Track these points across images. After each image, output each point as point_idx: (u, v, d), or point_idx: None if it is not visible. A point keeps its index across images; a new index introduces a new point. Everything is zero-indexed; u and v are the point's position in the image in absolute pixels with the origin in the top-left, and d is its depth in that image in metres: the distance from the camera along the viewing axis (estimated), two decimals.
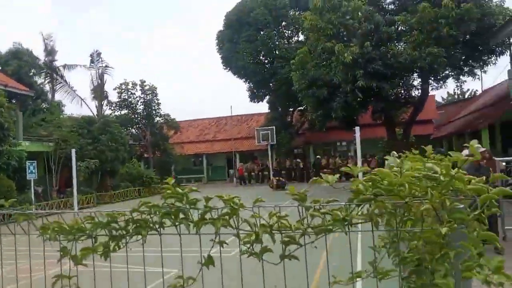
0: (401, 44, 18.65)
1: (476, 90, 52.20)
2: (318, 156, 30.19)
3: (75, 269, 2.07)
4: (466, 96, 47.77)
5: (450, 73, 18.54)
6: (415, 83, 21.35)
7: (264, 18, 28.08)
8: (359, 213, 1.91)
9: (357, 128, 15.01)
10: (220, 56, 31.33)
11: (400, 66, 17.63)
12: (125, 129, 28.57)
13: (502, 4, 18.43)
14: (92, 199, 20.49)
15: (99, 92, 26.68)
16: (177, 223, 2.09)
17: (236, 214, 2.00)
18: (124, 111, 30.38)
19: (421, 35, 17.38)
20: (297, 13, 28.69)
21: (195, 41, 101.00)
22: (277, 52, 29.20)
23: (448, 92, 51.41)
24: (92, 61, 27.46)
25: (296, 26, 28.67)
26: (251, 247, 2.00)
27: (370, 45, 17.77)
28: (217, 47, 31.42)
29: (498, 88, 26.05)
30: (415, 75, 20.46)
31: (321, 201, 2.05)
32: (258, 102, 32.49)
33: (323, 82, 19.67)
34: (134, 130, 32.07)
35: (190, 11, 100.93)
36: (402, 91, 21.64)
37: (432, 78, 20.07)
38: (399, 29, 18.75)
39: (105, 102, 28.22)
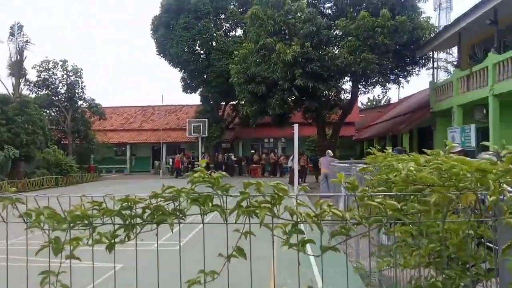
0: (338, 48, 19.39)
1: (390, 98, 56.66)
2: (252, 151, 30.57)
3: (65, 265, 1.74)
4: (381, 103, 51.49)
5: (379, 79, 19.69)
6: (346, 86, 22.39)
7: (205, 7, 27.45)
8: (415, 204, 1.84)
9: (295, 125, 15.28)
10: (155, 41, 30.03)
11: (336, 68, 18.32)
12: (44, 112, 26.19)
13: (428, 20, 20.03)
14: (3, 187, 18.41)
15: (17, 69, 24.01)
16: (207, 211, 1.86)
17: (280, 202, 1.81)
18: (43, 92, 27.79)
19: (358, 41, 18.21)
20: (237, 8, 28.49)
21: (128, 24, 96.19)
22: (214, 44, 28.74)
23: (368, 98, 54.93)
24: (12, 34, 24.61)
25: (235, 20, 28.49)
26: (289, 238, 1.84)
27: (310, 45, 18.22)
28: (151, 31, 30.05)
29: (417, 97, 28.40)
30: (347, 78, 21.44)
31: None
32: (191, 93, 31.73)
33: (262, 78, 19.78)
34: (53, 113, 29.52)
35: None
36: (333, 94, 22.55)
37: (363, 83, 21.19)
38: (338, 33, 19.47)
39: (23, 80, 25.50)
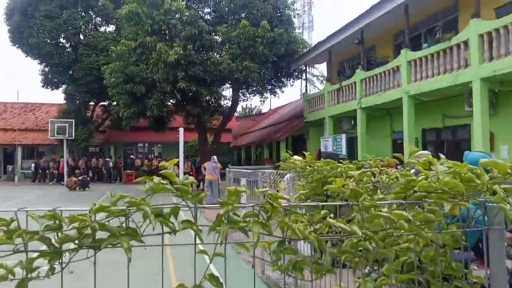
0: (220, 54, 19.40)
1: (261, 108, 59.66)
2: (132, 156, 28.71)
3: None
4: (253, 112, 53.77)
5: (259, 88, 20.30)
6: (226, 93, 22.55)
7: None
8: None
9: (181, 129, 14.74)
10: (8, 28, 25.98)
11: (219, 74, 18.26)
12: None
13: (301, 35, 21.49)
14: None
15: None
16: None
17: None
18: None
19: (239, 49, 18.47)
20: (109, 3, 26.45)
21: None
22: (82, 38, 26.15)
23: (242, 106, 56.70)
24: None
25: (108, 15, 26.39)
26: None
27: (192, 48, 17.82)
28: (4, 17, 25.96)
29: (290, 107, 30.21)
30: (228, 85, 21.60)
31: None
32: (53, 89, 28.23)
33: (141, 79, 18.62)
34: None
35: None
36: (214, 99, 22.52)
37: (244, 90, 21.60)
38: (219, 39, 19.47)
39: None
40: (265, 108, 66.73)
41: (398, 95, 13.18)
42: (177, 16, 18.48)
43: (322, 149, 17.89)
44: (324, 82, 22.02)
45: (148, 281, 5.14)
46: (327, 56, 18.86)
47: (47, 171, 26.71)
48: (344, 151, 15.95)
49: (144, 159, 27.87)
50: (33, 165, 27.27)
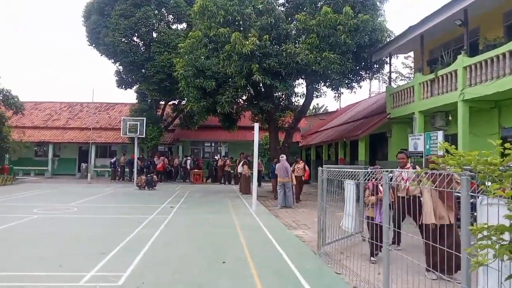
0: (297, 44, 17.92)
1: (327, 107, 57.45)
2: (216, 157, 28.83)
3: None
4: (320, 112, 51.70)
5: (337, 81, 18.45)
6: (299, 89, 21.06)
7: None
8: None
9: (256, 125, 13.52)
10: (86, 29, 26.63)
11: (296, 66, 16.82)
12: None
13: (386, 22, 19.31)
14: None
15: None
16: None
17: None
18: None
19: (318, 39, 16.91)
20: (181, 0, 26.18)
21: (54, 8, 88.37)
22: (155, 36, 26.10)
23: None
24: None
25: (180, 11, 26.11)
26: None
27: (268, 39, 16.57)
28: (83, 18, 26.65)
29: (366, 103, 28.02)
30: (302, 80, 20.06)
31: None
32: (126, 89, 28.61)
33: (212, 73, 17.72)
34: None
35: None
36: (285, 96, 21.12)
37: (321, 84, 19.92)
38: (298, 28, 17.98)
39: None
40: (331, 107, 64.41)
41: None
42: (252, 5, 17.33)
43: (411, 149, 15.74)
44: (400, 77, 19.76)
45: None
46: (418, 43, 16.69)
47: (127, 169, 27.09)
48: (441, 152, 13.77)
49: (225, 159, 27.00)
50: (112, 163, 27.68)
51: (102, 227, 10.06)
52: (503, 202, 2.86)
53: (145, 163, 25.85)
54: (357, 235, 8.14)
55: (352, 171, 5.92)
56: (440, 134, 14.09)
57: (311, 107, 54.26)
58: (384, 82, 34.26)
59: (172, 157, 29.39)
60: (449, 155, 3.28)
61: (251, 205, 13.78)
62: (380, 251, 6.11)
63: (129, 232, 9.07)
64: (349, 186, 6.57)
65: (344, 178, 6.24)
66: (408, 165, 7.37)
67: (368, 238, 6.78)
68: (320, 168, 7.37)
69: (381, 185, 5.76)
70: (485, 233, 2.59)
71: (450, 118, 15.33)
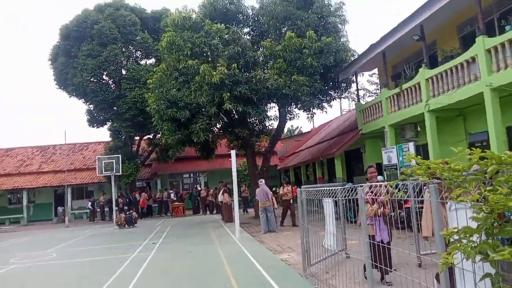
0: (265, 70, 18.33)
1: (301, 127, 58.36)
2: (198, 187, 28.57)
3: None
4: (295, 133, 52.37)
5: (308, 103, 18.86)
6: (271, 113, 21.37)
7: (111, 32, 24.97)
8: None
9: (232, 152, 13.58)
10: (53, 71, 26.45)
11: (266, 91, 17.15)
12: None
13: (348, 43, 20.03)
14: None
15: None
16: None
17: None
18: None
19: (285, 63, 17.36)
20: (148, 36, 26.47)
21: (19, 54, 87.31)
22: (124, 73, 26.15)
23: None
24: None
25: (148, 47, 26.35)
26: None
27: (236, 67, 16.89)
28: (50, 61, 26.50)
29: (338, 121, 28.61)
30: (274, 104, 20.41)
31: None
32: (98, 127, 28.31)
33: (184, 104, 17.84)
34: None
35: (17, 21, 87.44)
36: (258, 121, 21.40)
37: (292, 107, 20.31)
38: (264, 54, 18.44)
39: None
40: (305, 128, 65.34)
41: (477, 89, 11.41)
42: (218, 36, 17.71)
43: (385, 162, 16.11)
44: (365, 96, 20.41)
45: None
46: (380, 59, 17.33)
47: (106, 209, 26.50)
48: (413, 162, 14.12)
49: (208, 190, 26.82)
50: (89, 203, 27.09)
51: (82, 271, 9.76)
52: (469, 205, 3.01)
53: (125, 201, 25.40)
54: (341, 252, 8.20)
55: (329, 189, 6.04)
56: (411, 146, 14.49)
57: (285, 130, 54.91)
58: (353, 100, 35.19)
59: (150, 192, 29.00)
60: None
61: (235, 233, 13.69)
62: (387, 273, 5.93)
63: (111, 273, 8.84)
64: (327, 204, 6.67)
65: (322, 197, 6.34)
66: (378, 178, 7.53)
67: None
68: (299, 189, 7.47)
69: (378, 199, 5.74)
70: (455, 237, 2.72)
71: (419, 129, 15.82)
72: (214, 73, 16.05)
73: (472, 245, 2.71)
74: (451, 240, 2.82)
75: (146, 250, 12.01)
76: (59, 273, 9.56)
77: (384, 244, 5.65)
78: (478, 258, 2.83)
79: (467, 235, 2.80)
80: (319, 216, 7.53)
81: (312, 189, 6.73)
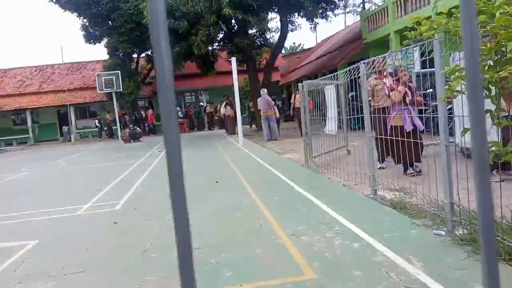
0: None
1: (303, 44, 56.77)
2: (204, 104, 28.68)
3: None
4: (297, 50, 51.04)
5: (310, 8, 18.02)
6: (273, 24, 20.59)
7: None
8: None
9: (233, 59, 13.33)
10: None
11: None
12: None
13: None
14: None
15: None
16: None
17: None
18: None
19: None
20: None
21: None
22: None
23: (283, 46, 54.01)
24: None
25: None
26: None
27: None
28: None
29: (342, 34, 27.71)
30: (275, 13, 19.59)
31: None
32: (95, 43, 27.46)
33: (182, 13, 17.13)
34: None
35: None
36: (260, 33, 20.71)
37: (296, 15, 19.50)
38: None
39: None
40: (308, 45, 63.62)
41: None
42: None
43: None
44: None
45: None
46: None
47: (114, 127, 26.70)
48: (418, 66, 13.89)
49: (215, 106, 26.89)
50: (96, 121, 27.34)
51: (92, 172, 10.13)
52: None
53: (131, 118, 25.63)
54: (343, 148, 8.38)
55: (330, 75, 5.98)
56: (416, 50, 14.13)
57: (287, 46, 53.55)
58: (358, 15, 33.72)
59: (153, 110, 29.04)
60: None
61: (239, 141, 13.95)
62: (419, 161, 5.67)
63: (120, 172, 9.17)
64: (329, 91, 6.68)
65: (325, 85, 6.33)
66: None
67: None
68: (300, 83, 7.43)
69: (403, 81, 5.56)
70: (457, 74, 2.73)
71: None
72: None
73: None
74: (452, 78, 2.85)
75: (152, 157, 12.33)
76: (69, 176, 9.92)
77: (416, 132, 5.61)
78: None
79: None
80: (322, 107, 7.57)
81: (314, 81, 6.69)
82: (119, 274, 3.31)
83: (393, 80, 6.01)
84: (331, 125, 6.79)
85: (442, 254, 3.14)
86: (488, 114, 2.71)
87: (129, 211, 5.42)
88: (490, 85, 2.67)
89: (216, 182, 6.79)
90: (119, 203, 5.89)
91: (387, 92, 6.18)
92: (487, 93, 2.72)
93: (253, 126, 22.22)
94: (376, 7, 37.03)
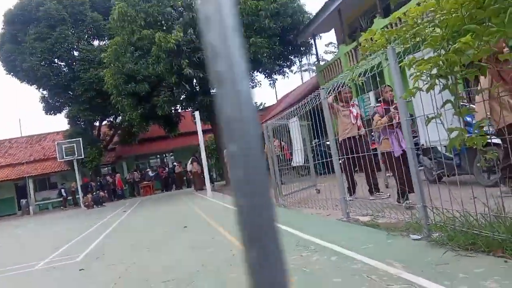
0: None
1: (265, 103, 58.56)
2: (175, 164, 27.99)
3: None
4: (258, 109, 52.43)
5: (269, 66, 18.86)
6: None
7: (58, 13, 23.79)
8: None
9: (196, 113, 13.43)
10: (0, 59, 25.04)
11: None
12: None
13: (304, 6, 20.10)
14: None
15: None
16: None
17: None
18: None
19: (243, 26, 17.22)
20: (99, 15, 25.41)
21: None
22: (76, 54, 25.12)
23: None
24: None
25: (99, 26, 25.35)
26: None
27: (193, 33, 16.59)
28: None
29: (300, 89, 28.85)
30: None
31: None
32: (55, 114, 27.11)
33: (143, 77, 17.39)
34: None
35: None
36: None
37: (255, 72, 20.22)
38: None
39: None
40: (269, 103, 65.48)
41: None
42: (171, 4, 17.29)
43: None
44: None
45: None
46: (337, 18, 17.49)
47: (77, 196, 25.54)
48: (352, 119, 14.50)
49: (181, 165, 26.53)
50: (62, 190, 26.16)
51: (52, 233, 9.47)
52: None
53: (97, 184, 24.77)
54: (312, 187, 8.35)
55: (294, 108, 6.10)
56: (371, 95, 14.85)
57: None
58: (314, 72, 35.55)
59: (122, 174, 28.30)
60: None
61: (207, 194, 13.67)
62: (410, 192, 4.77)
63: (81, 231, 8.63)
64: (293, 124, 6.77)
65: (287, 120, 6.41)
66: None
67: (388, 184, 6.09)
68: (264, 124, 7.51)
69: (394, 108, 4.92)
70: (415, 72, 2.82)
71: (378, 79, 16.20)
72: (170, 36, 15.71)
73: (433, 73, 2.81)
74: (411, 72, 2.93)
75: (117, 216, 11.77)
76: (26, 239, 9.23)
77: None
78: (437, 90, 2.94)
79: (430, 65, 2.89)
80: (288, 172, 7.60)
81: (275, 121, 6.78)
82: None
83: (376, 103, 5.97)
84: (298, 157, 6.80)
85: (421, 255, 3.04)
86: (449, 105, 2.78)
87: (91, 261, 5.01)
88: (447, 74, 2.75)
89: (185, 227, 6.49)
90: (80, 255, 5.46)
91: (353, 122, 6.21)
92: (443, 83, 2.81)
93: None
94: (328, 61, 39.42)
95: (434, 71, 2.83)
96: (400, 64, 3.25)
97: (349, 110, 6.35)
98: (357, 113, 6.32)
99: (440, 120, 2.90)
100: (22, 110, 70.41)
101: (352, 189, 6.31)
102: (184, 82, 17.36)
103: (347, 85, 5.62)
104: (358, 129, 6.31)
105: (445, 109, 2.84)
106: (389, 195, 5.67)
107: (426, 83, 2.93)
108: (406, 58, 3.65)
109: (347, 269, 2.96)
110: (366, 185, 5.97)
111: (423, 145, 4.42)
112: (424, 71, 2.81)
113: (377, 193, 6.04)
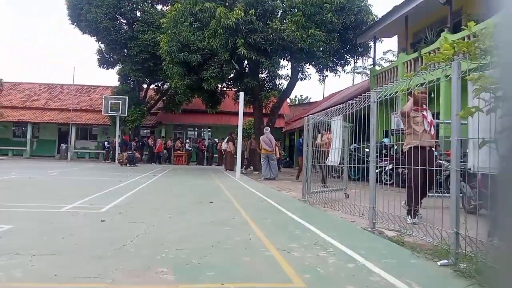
0: (283, 21, 17.88)
1: (310, 98, 58.01)
2: (216, 140, 28.20)
3: None
4: (303, 102, 52.03)
5: (322, 60, 18.47)
6: (283, 72, 21.06)
7: None
8: None
9: (241, 94, 13.43)
10: (67, 6, 25.98)
11: (281, 43, 16.79)
12: None
13: (371, 6, 19.47)
14: None
15: None
16: None
17: None
18: None
19: (304, 17, 16.95)
20: None
21: None
22: (139, 14, 25.67)
23: (290, 98, 55.19)
24: None
25: None
26: None
27: (254, 14, 16.48)
28: None
29: (350, 90, 28.28)
30: (287, 61, 20.05)
31: None
32: (108, 69, 27.99)
33: (197, 48, 17.52)
34: None
35: None
36: (269, 77, 21.08)
37: (307, 64, 19.91)
38: (283, 5, 17.96)
39: None
40: (314, 99, 64.93)
41: None
42: None
43: (393, 127, 15.94)
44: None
45: None
46: (402, 24, 16.86)
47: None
48: (426, 126, 13.97)
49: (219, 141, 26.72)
50: (106, 143, 27.14)
51: (82, 183, 9.84)
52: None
53: (138, 144, 25.50)
54: (342, 190, 8.17)
55: (338, 107, 5.94)
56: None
57: (294, 97, 54.63)
58: (367, 76, 34.67)
59: (164, 139, 28.97)
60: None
61: (235, 176, 13.73)
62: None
63: (110, 185, 8.91)
64: (336, 123, 6.60)
65: (330, 118, 6.25)
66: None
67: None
68: (307, 117, 7.38)
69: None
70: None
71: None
72: (231, 13, 15.69)
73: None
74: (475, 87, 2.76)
75: (146, 178, 12.07)
76: (57, 183, 9.64)
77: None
78: (499, 114, 2.74)
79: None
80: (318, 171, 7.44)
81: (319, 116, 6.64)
82: (91, 261, 3.03)
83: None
84: (334, 157, 6.64)
85: (443, 282, 2.88)
86: None
87: (114, 215, 5.15)
88: None
89: (211, 202, 6.53)
90: (105, 207, 5.63)
91: (427, 129, 5.31)
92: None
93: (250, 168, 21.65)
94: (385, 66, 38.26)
95: (500, 93, 2.63)
96: (466, 77, 3.05)
97: (422, 115, 5.41)
98: (431, 120, 5.41)
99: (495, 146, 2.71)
100: (77, 59, 73.28)
101: (413, 209, 5.06)
102: (235, 61, 17.36)
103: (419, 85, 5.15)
104: (432, 139, 5.37)
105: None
106: (421, 216, 5.31)
107: (488, 105, 2.74)
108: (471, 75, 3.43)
109: (362, 279, 2.86)
110: (407, 201, 5.25)
111: (469, 169, 4.17)
112: (490, 92, 2.63)
113: (416, 218, 5.00)
